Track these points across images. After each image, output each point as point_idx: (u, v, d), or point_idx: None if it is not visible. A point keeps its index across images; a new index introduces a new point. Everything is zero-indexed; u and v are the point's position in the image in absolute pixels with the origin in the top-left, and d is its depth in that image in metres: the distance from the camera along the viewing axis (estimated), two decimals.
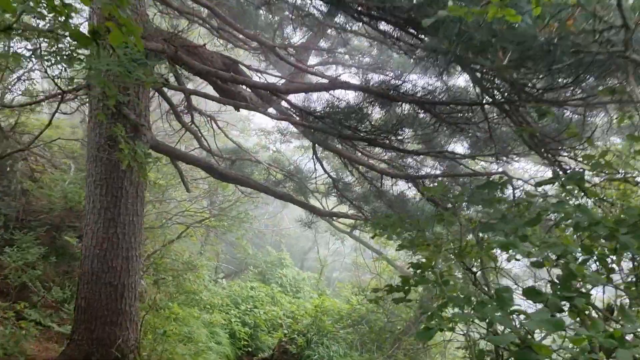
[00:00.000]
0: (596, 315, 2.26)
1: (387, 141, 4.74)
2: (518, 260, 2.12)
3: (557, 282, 2.01)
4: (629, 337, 1.67)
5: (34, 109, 7.50)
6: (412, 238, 3.16)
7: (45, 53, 3.15)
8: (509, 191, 3.57)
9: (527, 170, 5.02)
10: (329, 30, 7.05)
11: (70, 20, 2.05)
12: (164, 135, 9.57)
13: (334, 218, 8.13)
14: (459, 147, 5.90)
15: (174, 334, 7.21)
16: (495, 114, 4.51)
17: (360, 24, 6.42)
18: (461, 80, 5.59)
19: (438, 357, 8.85)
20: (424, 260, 2.72)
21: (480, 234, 3.03)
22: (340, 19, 5.93)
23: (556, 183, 2.58)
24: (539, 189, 2.96)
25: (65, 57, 3.06)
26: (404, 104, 4.37)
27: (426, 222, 3.15)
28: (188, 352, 7.22)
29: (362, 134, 4.70)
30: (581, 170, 2.54)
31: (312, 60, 7.64)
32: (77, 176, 8.23)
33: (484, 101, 3.67)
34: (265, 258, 14.31)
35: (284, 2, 5.67)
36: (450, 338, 7.84)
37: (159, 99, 6.51)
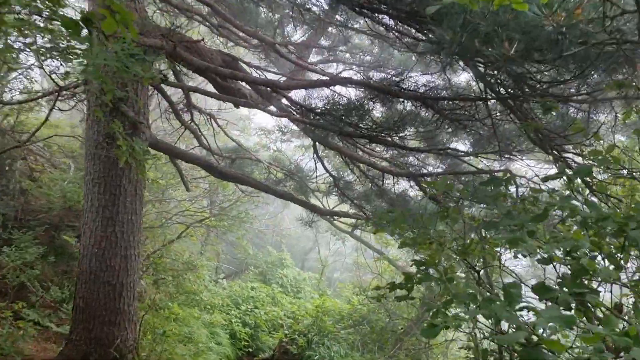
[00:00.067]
0: (601, 315, 2.19)
1: (389, 138, 4.68)
2: (525, 256, 2.06)
3: (564, 279, 1.94)
4: None
5: (32, 108, 7.45)
6: (415, 236, 3.10)
7: (41, 47, 3.09)
8: (512, 188, 3.51)
9: (531, 167, 4.95)
10: (330, 28, 7.00)
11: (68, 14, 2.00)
12: (163, 135, 9.52)
13: (335, 217, 8.07)
14: (461, 145, 5.84)
15: (174, 334, 7.15)
16: (498, 111, 4.45)
17: (362, 21, 6.39)
18: (464, 78, 5.55)
19: (440, 357, 8.79)
20: (426, 258, 2.66)
21: (484, 233, 2.97)
22: (341, 16, 5.88)
23: (562, 180, 2.52)
24: (545, 185, 2.89)
25: (61, 50, 3.00)
26: (405, 101, 4.31)
27: (429, 219, 3.09)
28: (188, 353, 7.17)
29: (363, 131, 4.64)
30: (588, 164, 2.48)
31: (313, 58, 7.59)
32: (76, 175, 8.17)
33: (488, 97, 3.61)
34: (266, 258, 14.27)
35: None
36: (452, 338, 7.79)
37: (158, 97, 6.46)
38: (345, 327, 9.50)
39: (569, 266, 2.12)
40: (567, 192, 2.66)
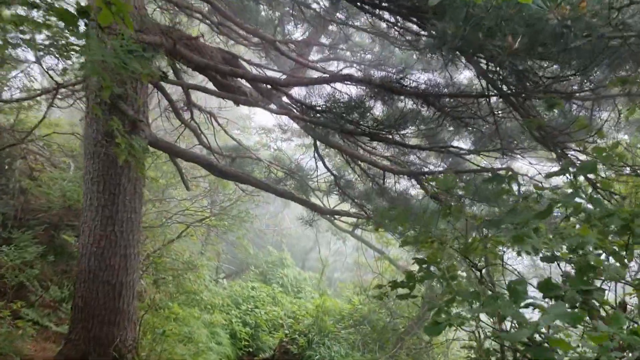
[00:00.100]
0: (604, 313, 2.16)
1: (390, 136, 4.64)
2: (529, 254, 2.02)
3: (568, 277, 1.91)
4: None
5: (32, 106, 7.42)
6: (416, 234, 3.06)
7: (39, 44, 3.06)
8: (514, 187, 3.47)
9: (533, 165, 4.91)
10: (330, 27, 6.96)
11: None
12: (163, 134, 9.47)
13: (336, 216, 8.03)
14: (463, 144, 5.81)
15: (174, 334, 7.12)
16: (500, 109, 4.41)
17: (362, 19, 6.35)
18: (465, 78, 5.52)
19: (441, 357, 8.75)
20: (428, 256, 2.63)
21: (485, 232, 2.93)
22: (341, 13, 5.84)
23: (565, 177, 2.48)
24: (547, 182, 2.86)
25: (59, 47, 2.97)
26: (407, 98, 4.27)
27: (431, 217, 3.06)
28: (188, 352, 7.13)
29: (364, 129, 4.60)
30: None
31: (313, 57, 7.55)
32: (76, 175, 8.14)
33: (490, 94, 3.57)
34: (267, 258, 14.24)
35: None
36: (453, 337, 7.75)
37: (158, 95, 6.43)
38: (346, 326, 9.47)
39: (572, 265, 2.08)
40: (571, 190, 2.62)
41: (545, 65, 2.96)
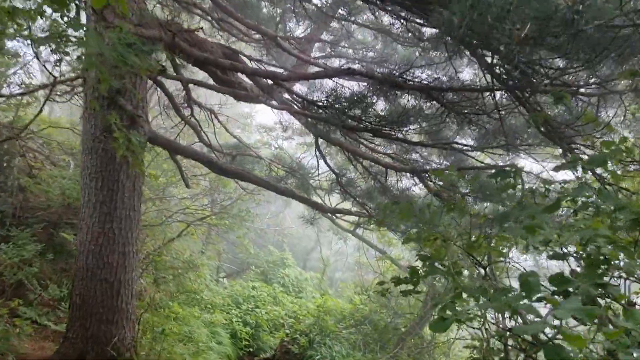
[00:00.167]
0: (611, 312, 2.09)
1: (393, 132, 4.57)
2: (537, 248, 1.95)
3: (578, 274, 1.84)
4: None
5: (31, 103, 7.37)
6: (419, 231, 2.99)
7: (34, 34, 3.00)
8: (519, 185, 3.40)
9: (538, 162, 4.85)
10: (332, 23, 6.90)
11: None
12: (163, 132, 9.42)
13: (337, 215, 7.96)
14: (466, 141, 5.74)
15: (174, 333, 7.06)
16: (504, 105, 4.34)
17: (365, 16, 6.29)
18: (468, 76, 5.46)
19: (442, 357, 8.68)
20: (432, 253, 2.56)
21: (489, 230, 2.87)
22: (343, 9, 5.78)
23: (572, 171, 2.41)
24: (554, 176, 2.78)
25: (56, 36, 2.91)
26: (410, 93, 4.19)
27: (434, 213, 2.99)
28: (187, 352, 7.07)
29: (366, 125, 4.53)
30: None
31: (315, 54, 7.48)
32: (75, 172, 8.09)
33: (495, 88, 3.49)
34: (267, 258, 14.19)
35: None
36: (455, 337, 7.68)
37: (158, 92, 6.37)
38: (347, 326, 9.41)
39: (580, 262, 2.01)
40: (579, 184, 2.55)
41: (553, 57, 2.88)
